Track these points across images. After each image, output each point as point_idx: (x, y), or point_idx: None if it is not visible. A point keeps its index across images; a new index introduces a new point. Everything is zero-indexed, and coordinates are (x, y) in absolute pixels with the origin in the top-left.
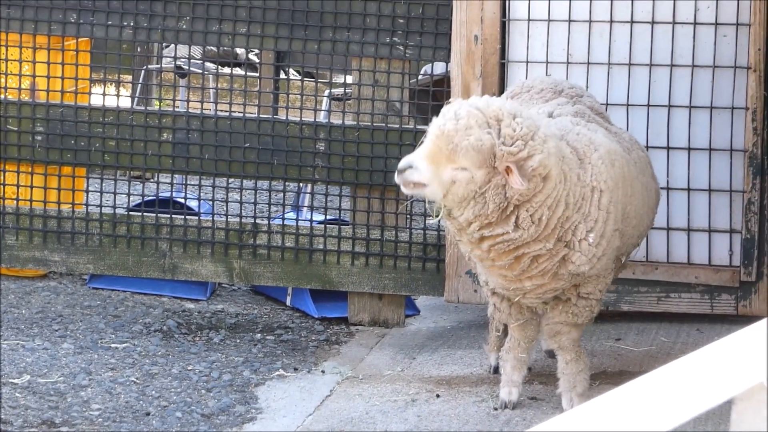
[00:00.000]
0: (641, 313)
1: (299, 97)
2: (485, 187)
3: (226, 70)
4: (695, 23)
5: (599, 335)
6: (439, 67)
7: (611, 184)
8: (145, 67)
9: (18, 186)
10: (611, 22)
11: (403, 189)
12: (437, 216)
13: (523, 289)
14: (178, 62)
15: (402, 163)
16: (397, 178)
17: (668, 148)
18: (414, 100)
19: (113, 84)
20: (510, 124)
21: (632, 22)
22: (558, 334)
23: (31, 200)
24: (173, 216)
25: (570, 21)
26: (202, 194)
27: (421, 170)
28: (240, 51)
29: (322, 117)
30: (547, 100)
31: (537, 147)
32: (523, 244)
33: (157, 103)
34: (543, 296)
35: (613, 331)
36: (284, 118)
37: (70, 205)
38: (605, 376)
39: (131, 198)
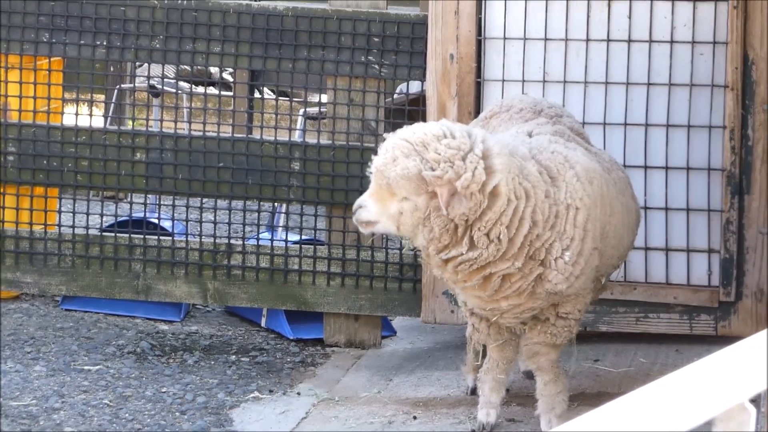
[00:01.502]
0: (620, 334)
1: (274, 116)
2: (428, 212)
3: (200, 89)
4: (672, 41)
5: (578, 356)
6: (414, 86)
7: (588, 201)
8: (118, 87)
9: None
10: (587, 40)
11: (360, 228)
12: (406, 245)
13: (500, 309)
14: (151, 81)
15: (355, 204)
16: (354, 218)
17: (645, 167)
18: (390, 119)
19: (86, 104)
20: (435, 148)
21: (609, 40)
22: (536, 354)
23: (3, 221)
24: (147, 236)
25: (546, 39)
26: (175, 214)
27: (370, 209)
28: (214, 70)
29: (296, 136)
30: (527, 120)
31: (466, 166)
32: (488, 264)
33: (131, 122)
34: (521, 316)
35: (591, 352)
36: (258, 137)
37: (43, 226)
38: (584, 398)
39: (104, 218)
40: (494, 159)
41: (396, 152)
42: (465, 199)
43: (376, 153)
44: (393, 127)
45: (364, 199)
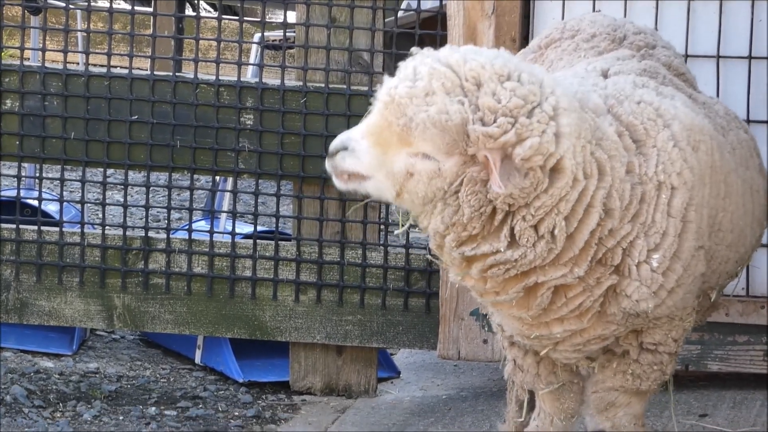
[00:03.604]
0: (739, 376)
1: (215, 44)
2: (457, 183)
3: (103, 3)
4: None
5: (675, 409)
6: None
7: (690, 178)
8: None
9: None
10: None
11: (336, 181)
12: (405, 224)
13: (552, 338)
14: None
15: (334, 143)
16: (327, 164)
17: None
18: (392, 49)
19: None
20: (494, 90)
21: None
22: (612, 406)
23: None
24: (20, 227)
25: None
26: (65, 193)
27: (360, 154)
28: None
29: (249, 74)
30: (600, 52)
31: (533, 126)
32: (534, 269)
33: None
34: (585, 348)
35: (695, 403)
36: (191, 76)
37: None
38: None
39: None
40: (561, 117)
41: (433, 83)
42: (518, 173)
43: (369, 101)
44: (396, 61)
45: (354, 138)
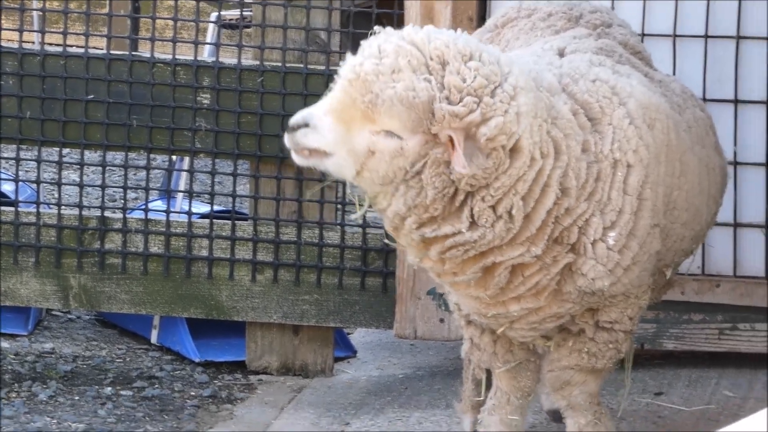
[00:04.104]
0: (694, 354)
1: (171, 23)
2: (420, 164)
3: None
4: None
5: (630, 387)
6: None
7: (646, 155)
8: None
9: None
10: None
11: (295, 157)
12: (362, 207)
13: (509, 316)
14: None
15: (295, 119)
16: (286, 140)
17: (736, 101)
18: (349, 28)
19: None
20: (458, 69)
21: None
22: (567, 384)
23: None
24: None
25: None
26: (20, 173)
27: (323, 131)
28: None
29: (206, 54)
30: (557, 31)
31: (497, 106)
32: (491, 249)
33: None
34: (541, 326)
35: (651, 382)
36: (148, 55)
37: None
38: None
39: None
40: (519, 97)
41: (400, 60)
42: (481, 154)
43: (326, 79)
44: (353, 40)
45: (316, 115)
